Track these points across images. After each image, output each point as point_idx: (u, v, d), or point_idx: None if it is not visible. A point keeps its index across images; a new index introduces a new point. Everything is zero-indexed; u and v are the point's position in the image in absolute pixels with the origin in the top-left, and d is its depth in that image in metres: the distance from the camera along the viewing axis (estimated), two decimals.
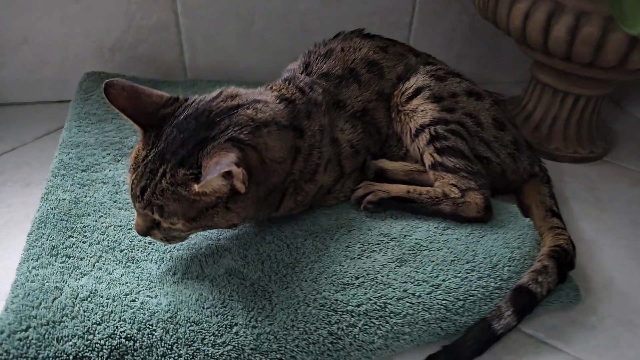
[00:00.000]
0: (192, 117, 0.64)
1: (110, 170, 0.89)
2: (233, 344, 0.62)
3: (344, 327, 0.65)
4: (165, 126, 0.63)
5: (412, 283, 0.71)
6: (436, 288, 0.71)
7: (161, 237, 0.67)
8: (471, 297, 0.71)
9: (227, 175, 0.59)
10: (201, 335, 0.62)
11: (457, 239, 0.79)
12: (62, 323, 0.60)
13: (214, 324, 0.63)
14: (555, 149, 1.16)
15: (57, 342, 0.58)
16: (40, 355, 0.57)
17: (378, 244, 0.77)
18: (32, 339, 0.58)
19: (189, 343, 0.61)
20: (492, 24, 1.13)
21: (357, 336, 0.65)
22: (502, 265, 0.75)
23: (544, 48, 1.00)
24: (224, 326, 0.63)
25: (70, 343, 0.58)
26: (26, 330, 0.58)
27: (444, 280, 0.72)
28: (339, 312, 0.66)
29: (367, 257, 0.75)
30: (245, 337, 0.62)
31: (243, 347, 0.62)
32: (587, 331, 0.74)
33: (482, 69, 1.40)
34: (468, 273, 0.74)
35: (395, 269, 0.73)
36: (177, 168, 0.61)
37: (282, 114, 0.72)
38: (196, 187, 0.59)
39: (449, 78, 0.93)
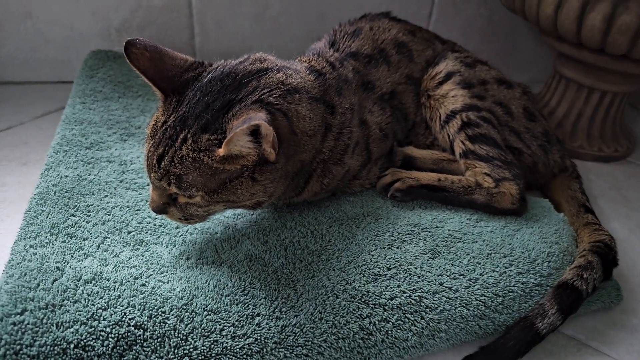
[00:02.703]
0: (217, 79, 0.58)
1: (116, 149, 0.82)
2: (255, 336, 0.55)
3: (376, 322, 0.59)
4: (187, 91, 0.57)
5: (448, 276, 0.65)
6: (474, 282, 0.65)
7: (179, 216, 0.60)
8: (511, 294, 0.65)
9: (255, 135, 0.53)
10: (220, 325, 0.55)
11: (492, 231, 0.74)
12: (62, 307, 0.53)
13: (234, 314, 0.56)
14: (579, 147, 1.12)
15: (56, 328, 0.51)
16: (37, 343, 0.49)
17: (409, 234, 0.71)
18: (28, 323, 0.50)
19: (206, 334, 0.54)
20: (518, 14, 1.09)
21: (390, 332, 0.59)
22: (541, 261, 0.70)
23: (576, 38, 0.96)
24: (245, 316, 0.56)
25: (72, 330, 0.51)
26: (21, 313, 0.51)
27: (481, 275, 0.66)
28: (371, 305, 0.60)
29: (397, 247, 0.69)
30: (269, 329, 0.56)
31: (266, 340, 0.55)
32: (630, 334, 0.69)
33: (498, 65, 1.37)
34: (506, 267, 0.68)
35: (428, 260, 0.67)
36: (200, 133, 0.54)
37: (313, 85, 0.66)
38: (220, 150, 0.53)
39: (477, 65, 0.89)
